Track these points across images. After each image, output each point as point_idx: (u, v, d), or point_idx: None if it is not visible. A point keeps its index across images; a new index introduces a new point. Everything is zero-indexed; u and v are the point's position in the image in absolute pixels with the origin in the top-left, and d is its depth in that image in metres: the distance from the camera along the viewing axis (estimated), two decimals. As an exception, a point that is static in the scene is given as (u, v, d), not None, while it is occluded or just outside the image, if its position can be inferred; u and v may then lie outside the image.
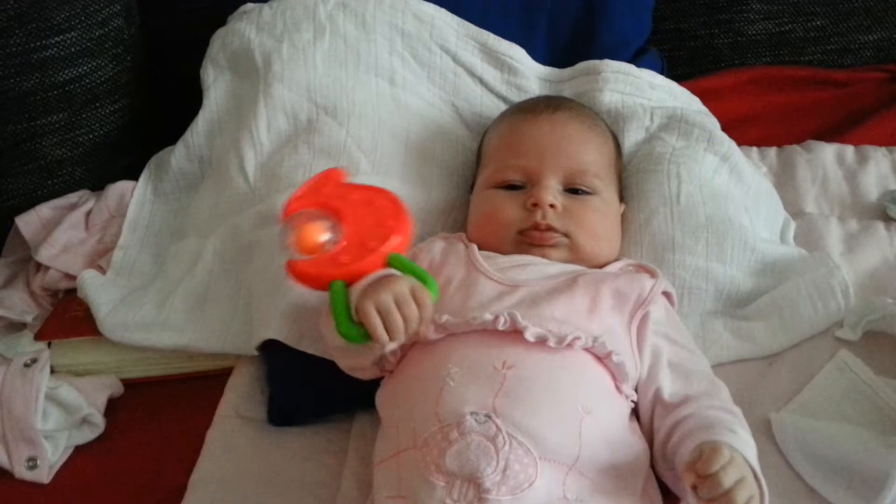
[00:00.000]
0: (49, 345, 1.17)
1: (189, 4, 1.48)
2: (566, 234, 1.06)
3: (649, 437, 0.94)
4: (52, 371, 1.14)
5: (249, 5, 1.39)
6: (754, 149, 1.46)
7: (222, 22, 1.39)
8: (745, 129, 1.44)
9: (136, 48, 1.43)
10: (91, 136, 1.39)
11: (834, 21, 1.60)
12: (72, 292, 1.25)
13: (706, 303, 1.14)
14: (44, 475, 1.06)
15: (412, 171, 1.24)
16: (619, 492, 0.86)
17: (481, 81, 1.34)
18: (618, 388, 0.93)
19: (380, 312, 0.87)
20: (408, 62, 1.33)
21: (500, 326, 0.90)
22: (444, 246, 1.07)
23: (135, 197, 1.35)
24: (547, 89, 1.35)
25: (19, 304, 1.27)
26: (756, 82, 1.60)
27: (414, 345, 0.95)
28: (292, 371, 1.07)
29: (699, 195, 1.17)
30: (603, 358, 0.92)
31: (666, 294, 1.05)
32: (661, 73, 1.38)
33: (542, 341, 0.90)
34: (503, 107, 1.30)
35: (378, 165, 1.23)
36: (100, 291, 1.20)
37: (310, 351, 1.04)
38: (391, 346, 0.90)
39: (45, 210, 1.34)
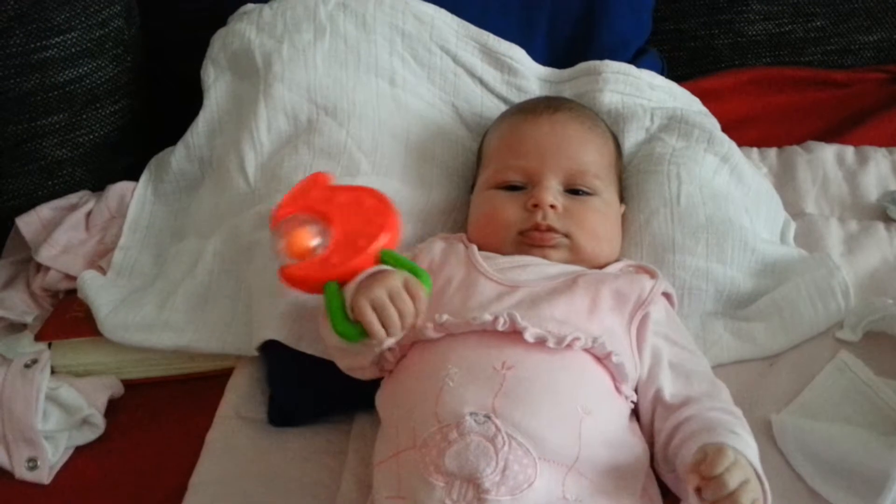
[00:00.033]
0: (49, 345, 1.17)
1: (189, 5, 1.48)
2: (566, 235, 1.06)
3: (650, 437, 0.94)
4: (53, 372, 1.14)
5: (250, 6, 1.39)
6: (754, 149, 1.46)
7: (222, 22, 1.40)
8: (745, 129, 1.44)
9: (136, 49, 1.43)
10: (91, 136, 1.39)
11: (834, 22, 1.61)
12: (72, 293, 1.25)
13: (706, 303, 1.14)
14: (44, 476, 1.06)
15: (412, 171, 1.24)
16: (619, 492, 0.86)
17: (481, 82, 1.34)
18: (617, 389, 0.93)
19: (375, 308, 0.87)
20: (408, 63, 1.33)
21: (500, 327, 0.90)
22: (444, 246, 1.07)
23: (135, 197, 1.35)
24: (547, 90, 1.35)
25: (20, 305, 1.27)
26: (756, 83, 1.60)
27: (413, 345, 0.95)
28: (292, 371, 1.07)
29: (699, 196, 1.17)
30: (602, 358, 0.92)
31: (666, 295, 1.05)
32: (662, 73, 1.38)
33: (541, 342, 0.90)
34: (503, 107, 1.30)
35: (378, 166, 1.23)
36: (100, 292, 1.20)
37: (309, 351, 1.04)
38: (389, 342, 0.90)
39: (45, 211, 1.34)
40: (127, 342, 1.15)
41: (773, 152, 1.47)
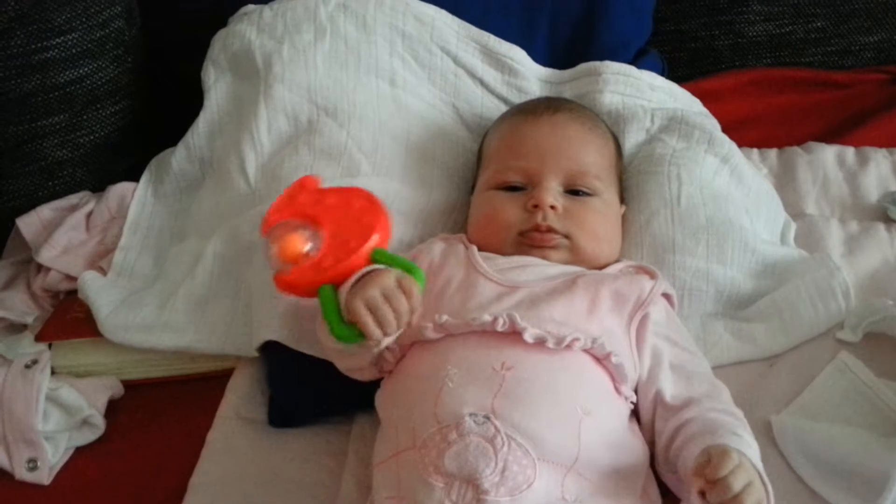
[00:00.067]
0: (50, 346, 1.17)
1: (189, 5, 1.48)
2: (567, 236, 1.06)
3: (650, 438, 0.94)
4: (53, 372, 1.14)
5: (250, 7, 1.39)
6: (755, 150, 1.46)
7: (223, 23, 1.40)
8: (745, 130, 1.44)
9: (136, 49, 1.43)
10: (92, 137, 1.39)
11: (834, 22, 1.61)
12: (72, 293, 1.25)
13: (706, 304, 1.14)
14: (44, 476, 1.06)
15: (413, 172, 1.24)
16: (619, 493, 0.86)
17: (482, 83, 1.34)
18: (617, 390, 0.93)
19: (369, 309, 0.87)
20: (408, 63, 1.33)
21: (499, 327, 0.90)
22: (443, 247, 1.07)
23: (135, 198, 1.35)
24: (547, 91, 1.35)
25: (20, 306, 1.27)
26: (756, 84, 1.60)
27: (413, 345, 0.95)
28: (292, 372, 1.07)
29: (700, 197, 1.17)
30: (602, 359, 0.92)
31: (666, 296, 1.05)
32: (662, 74, 1.39)
33: (541, 342, 0.90)
34: (504, 108, 1.30)
35: (379, 167, 1.23)
36: (100, 293, 1.20)
37: (309, 352, 1.04)
38: (386, 341, 0.90)
39: (45, 211, 1.34)
40: (127, 343, 1.15)
41: (773, 153, 1.47)
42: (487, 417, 0.84)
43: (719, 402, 0.93)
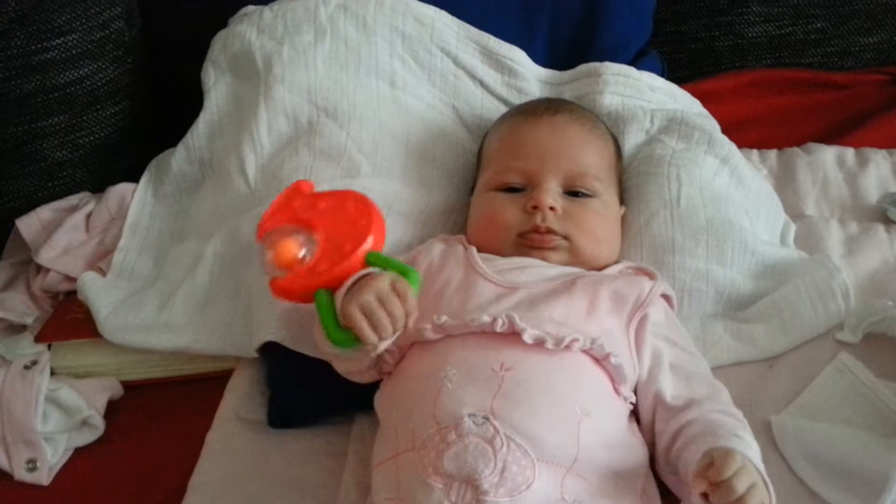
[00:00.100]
0: (49, 347, 1.17)
1: (189, 5, 1.48)
2: (566, 237, 1.06)
3: (650, 439, 0.94)
4: (52, 373, 1.14)
5: (250, 7, 1.39)
6: (754, 151, 1.46)
7: (223, 23, 1.40)
8: (745, 131, 1.44)
9: (136, 50, 1.43)
10: (92, 138, 1.39)
11: (834, 23, 1.61)
12: (72, 294, 1.25)
13: (706, 305, 1.14)
14: (43, 477, 1.06)
15: (412, 173, 1.24)
16: (618, 493, 0.86)
17: (482, 84, 1.34)
18: (616, 390, 0.93)
19: (365, 314, 0.87)
20: (408, 64, 1.33)
21: (499, 328, 0.90)
22: (443, 248, 1.07)
23: (135, 199, 1.35)
24: (547, 91, 1.35)
25: (19, 306, 1.27)
26: (756, 85, 1.60)
27: (412, 346, 0.95)
28: (292, 372, 1.07)
29: (699, 198, 1.17)
30: (601, 360, 0.92)
31: (665, 297, 1.05)
32: (662, 75, 1.39)
33: (540, 343, 0.90)
34: (504, 109, 1.30)
35: (378, 168, 1.23)
36: (100, 293, 1.20)
37: (309, 353, 1.04)
38: (383, 346, 0.89)
39: (45, 212, 1.34)
40: (127, 343, 1.15)
41: (773, 154, 1.47)
42: (486, 418, 0.84)
43: (720, 403, 0.93)
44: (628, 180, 1.21)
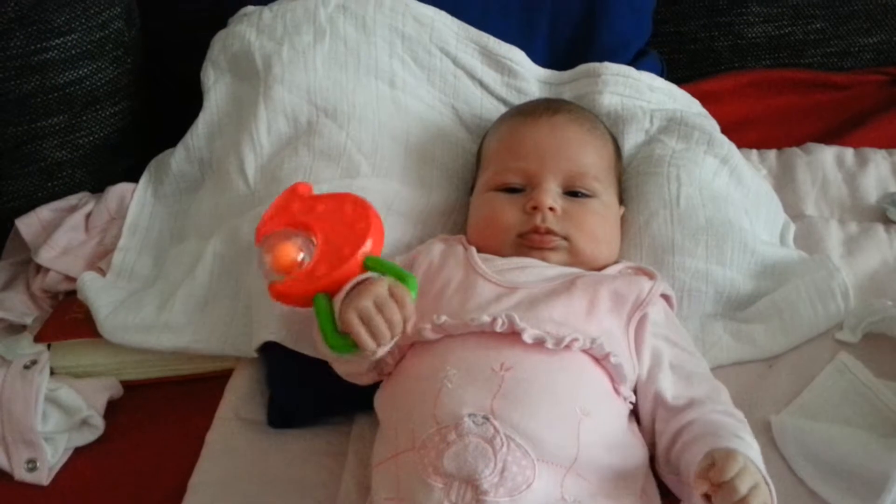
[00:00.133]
0: (49, 347, 1.17)
1: (189, 6, 1.48)
2: (566, 238, 1.06)
3: (650, 438, 0.94)
4: (52, 373, 1.14)
5: (250, 8, 1.39)
6: (754, 151, 1.46)
7: (222, 23, 1.40)
8: (744, 131, 1.44)
9: (136, 50, 1.43)
10: (91, 138, 1.39)
11: (834, 24, 1.61)
12: (72, 294, 1.25)
13: (706, 305, 1.14)
14: (43, 477, 1.06)
15: (412, 173, 1.24)
16: (618, 493, 0.86)
17: (481, 84, 1.34)
18: (616, 390, 0.93)
19: (362, 320, 0.87)
20: (408, 65, 1.33)
21: (498, 328, 0.90)
22: (443, 248, 1.07)
23: (135, 199, 1.35)
24: (547, 92, 1.35)
25: (19, 306, 1.27)
26: (756, 85, 1.60)
27: (412, 346, 0.95)
28: (292, 372, 1.07)
29: (699, 198, 1.17)
30: (601, 359, 0.92)
31: (665, 297, 1.06)
32: (661, 75, 1.39)
33: (540, 343, 0.90)
34: (503, 109, 1.30)
35: (378, 168, 1.23)
36: (100, 293, 1.20)
37: (308, 353, 1.04)
38: (381, 351, 0.89)
39: (45, 212, 1.34)
40: (126, 343, 1.15)
41: (772, 154, 1.47)
42: (486, 418, 0.84)
43: (720, 404, 0.93)
44: (628, 180, 1.21)
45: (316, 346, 0.98)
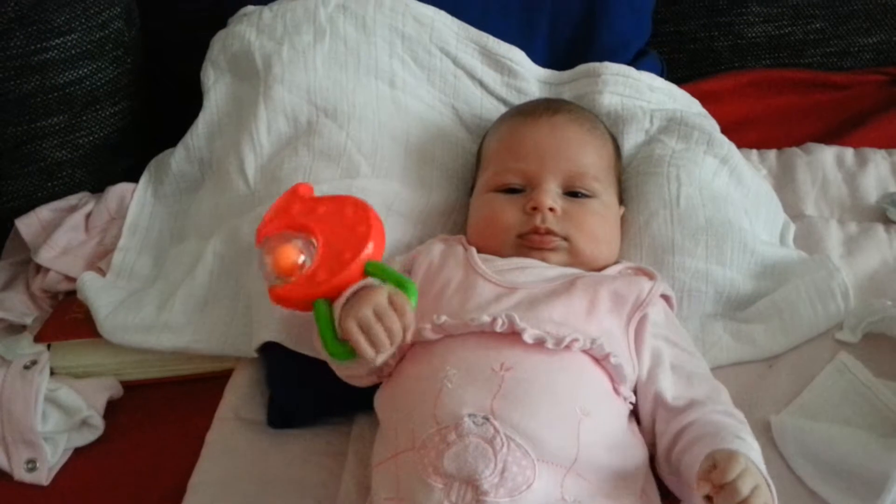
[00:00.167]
0: (49, 347, 1.17)
1: (189, 6, 1.48)
2: (566, 238, 1.06)
3: (650, 439, 0.94)
4: (52, 373, 1.14)
5: (250, 7, 1.39)
6: (754, 151, 1.46)
7: (222, 23, 1.40)
8: (744, 131, 1.44)
9: (136, 50, 1.43)
10: (91, 138, 1.39)
11: (833, 24, 1.61)
12: (71, 294, 1.25)
13: (706, 305, 1.14)
14: (43, 477, 1.06)
15: (412, 173, 1.24)
16: (618, 493, 0.86)
17: (481, 84, 1.34)
18: (616, 390, 0.93)
19: (362, 328, 0.87)
20: (408, 65, 1.33)
21: (498, 328, 0.90)
22: (443, 248, 1.07)
23: (135, 199, 1.35)
24: (547, 92, 1.35)
25: (19, 306, 1.27)
26: (756, 85, 1.60)
27: (412, 346, 0.95)
28: (292, 372, 1.07)
29: (699, 198, 1.17)
30: (601, 360, 0.92)
31: (665, 297, 1.05)
32: (661, 75, 1.39)
33: (540, 343, 0.90)
34: (503, 109, 1.30)
35: (378, 168, 1.23)
36: (100, 293, 1.20)
37: (308, 353, 1.04)
38: (380, 360, 0.89)
39: (44, 212, 1.34)
40: (126, 343, 1.15)
41: (772, 154, 1.47)
42: (486, 418, 0.84)
43: (720, 404, 0.93)
44: (628, 180, 1.21)
45: (316, 348, 0.98)
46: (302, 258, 0.93)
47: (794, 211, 1.33)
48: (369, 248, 0.92)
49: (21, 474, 1.06)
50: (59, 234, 1.29)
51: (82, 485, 1.06)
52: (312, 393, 1.07)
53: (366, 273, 0.92)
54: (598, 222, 1.09)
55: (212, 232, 1.23)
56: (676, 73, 1.49)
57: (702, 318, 1.13)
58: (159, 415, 1.14)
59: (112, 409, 1.13)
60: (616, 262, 1.10)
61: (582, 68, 1.33)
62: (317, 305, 0.91)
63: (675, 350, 0.99)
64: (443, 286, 1.00)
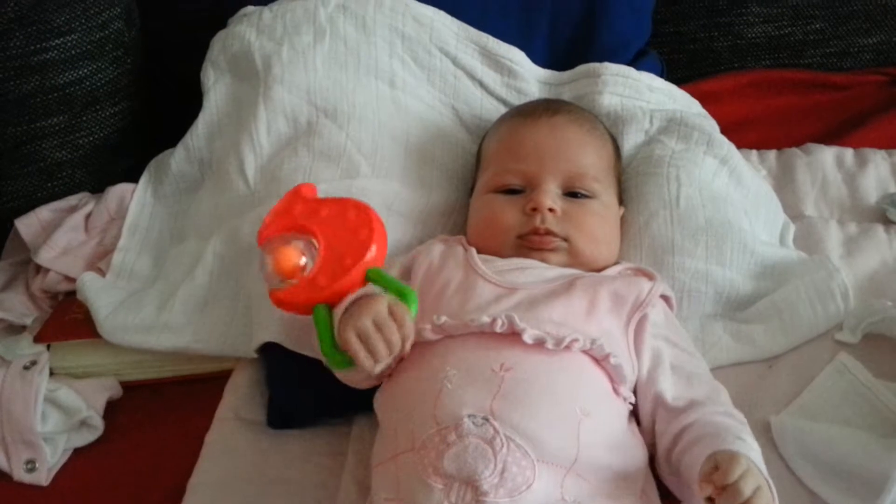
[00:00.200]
0: (48, 347, 1.17)
1: (189, 6, 1.48)
2: (565, 239, 1.06)
3: (650, 439, 0.94)
4: (52, 373, 1.14)
5: (250, 8, 1.39)
6: (754, 152, 1.46)
7: (222, 23, 1.40)
8: (744, 131, 1.44)
9: (136, 51, 1.43)
10: (91, 138, 1.39)
11: (833, 24, 1.61)
12: (71, 294, 1.25)
13: (706, 306, 1.14)
14: (43, 477, 1.06)
15: (412, 173, 1.24)
16: (618, 493, 0.86)
17: (481, 84, 1.34)
18: (615, 391, 0.93)
19: (361, 338, 0.87)
20: (408, 65, 1.33)
21: (498, 329, 0.90)
22: (443, 249, 1.07)
23: (135, 199, 1.35)
24: (546, 92, 1.35)
25: (19, 307, 1.27)
26: (755, 85, 1.60)
27: (413, 346, 0.95)
28: (292, 373, 1.07)
29: (699, 198, 1.17)
30: (601, 360, 0.92)
31: (665, 298, 1.06)
32: (661, 75, 1.39)
33: (540, 343, 0.90)
34: (503, 110, 1.30)
35: (378, 168, 1.23)
36: (99, 294, 1.20)
37: (308, 354, 1.04)
38: (378, 369, 0.89)
39: (44, 212, 1.34)
40: (126, 344, 1.15)
41: (772, 154, 1.47)
42: (486, 419, 0.84)
43: (720, 405, 0.93)
44: (627, 181, 1.21)
45: (315, 349, 0.98)
46: (303, 260, 0.93)
47: (793, 211, 1.33)
48: (371, 254, 0.92)
49: (21, 475, 1.06)
50: (59, 234, 1.29)
51: (82, 485, 1.06)
52: (312, 393, 1.07)
53: (367, 279, 0.92)
54: (598, 223, 1.09)
55: (212, 232, 1.23)
56: (676, 74, 1.49)
57: (702, 319, 1.13)
58: (159, 415, 1.14)
59: (112, 410, 1.13)
60: (616, 263, 1.10)
61: (582, 69, 1.33)
62: (317, 311, 0.91)
63: (675, 350, 0.99)
64: (443, 287, 1.00)
